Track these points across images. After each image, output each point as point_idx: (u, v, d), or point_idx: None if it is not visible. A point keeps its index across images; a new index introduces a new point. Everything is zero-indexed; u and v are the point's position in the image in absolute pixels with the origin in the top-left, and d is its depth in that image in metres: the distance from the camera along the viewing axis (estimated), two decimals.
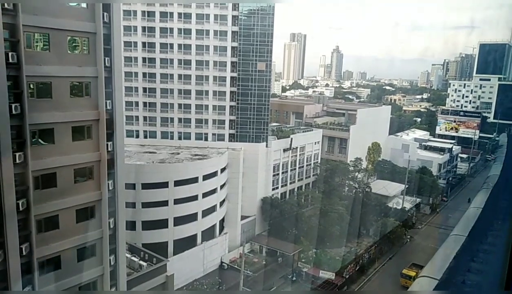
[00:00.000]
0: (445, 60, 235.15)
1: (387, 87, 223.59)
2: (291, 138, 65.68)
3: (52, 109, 23.98)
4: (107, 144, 26.51)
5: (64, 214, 25.16)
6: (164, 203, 47.94)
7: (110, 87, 26.59)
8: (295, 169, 68.55)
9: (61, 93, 24.47)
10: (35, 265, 23.38)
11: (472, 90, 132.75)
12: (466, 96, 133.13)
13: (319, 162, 73.36)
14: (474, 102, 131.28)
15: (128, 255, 34.89)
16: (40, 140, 23.90)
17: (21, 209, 22.14)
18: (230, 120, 59.59)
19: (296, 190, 69.07)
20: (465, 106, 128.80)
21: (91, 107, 25.97)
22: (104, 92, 26.04)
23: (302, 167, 70.07)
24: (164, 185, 47.81)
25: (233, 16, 57.29)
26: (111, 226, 27.57)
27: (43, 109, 23.57)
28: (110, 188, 27.16)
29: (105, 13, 25.76)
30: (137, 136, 59.00)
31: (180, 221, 48.95)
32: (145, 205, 47.10)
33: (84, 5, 25.46)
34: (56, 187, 24.70)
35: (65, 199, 25.00)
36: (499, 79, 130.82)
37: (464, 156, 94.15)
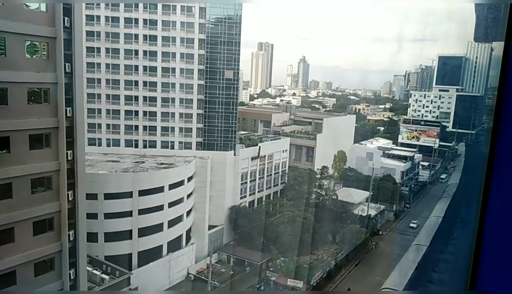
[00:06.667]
0: (406, 71, 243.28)
1: (352, 97, 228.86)
2: (259, 147, 65.72)
3: (8, 116, 22.88)
4: (67, 153, 25.52)
5: (20, 226, 23.95)
6: (128, 214, 46.54)
7: (70, 94, 25.68)
8: (263, 177, 68.59)
9: (17, 100, 23.40)
10: None
11: (432, 100, 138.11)
12: (427, 106, 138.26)
13: (287, 170, 73.76)
14: (434, 112, 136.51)
15: (90, 268, 33.60)
16: None
17: None
18: (198, 128, 58.95)
19: (264, 198, 69.01)
20: (426, 116, 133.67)
21: (50, 115, 24.94)
22: (64, 99, 25.10)
23: (270, 175, 70.23)
24: (128, 194, 46.45)
25: (200, 24, 57.04)
26: (71, 239, 26.48)
27: None
28: (70, 199, 26.12)
29: (66, 18, 24.90)
30: (100, 144, 57.22)
31: (144, 232, 47.65)
32: (108, 215, 45.51)
33: (43, 8, 24.52)
34: (11, 198, 23.48)
35: (21, 211, 23.81)
36: (457, 90, 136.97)
37: (425, 163, 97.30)
